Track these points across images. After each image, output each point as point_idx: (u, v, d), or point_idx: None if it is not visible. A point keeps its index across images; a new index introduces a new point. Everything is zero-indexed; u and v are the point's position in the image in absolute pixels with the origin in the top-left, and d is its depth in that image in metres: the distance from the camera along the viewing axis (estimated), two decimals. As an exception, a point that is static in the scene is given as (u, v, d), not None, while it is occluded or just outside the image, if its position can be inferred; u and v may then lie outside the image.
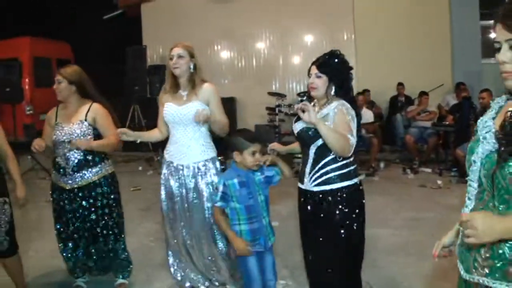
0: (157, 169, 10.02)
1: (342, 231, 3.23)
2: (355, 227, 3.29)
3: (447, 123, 9.29)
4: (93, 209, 4.20)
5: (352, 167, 3.29)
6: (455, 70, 11.90)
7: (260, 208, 3.44)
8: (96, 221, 4.24)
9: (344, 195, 3.23)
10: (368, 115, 9.51)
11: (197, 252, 4.20)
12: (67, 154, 4.09)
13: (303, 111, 2.94)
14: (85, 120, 4.10)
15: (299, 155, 3.59)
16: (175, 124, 4.04)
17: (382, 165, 9.58)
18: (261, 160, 3.36)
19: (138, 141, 4.20)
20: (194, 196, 4.05)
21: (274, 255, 3.64)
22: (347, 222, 3.25)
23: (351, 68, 3.39)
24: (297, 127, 3.42)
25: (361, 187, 3.37)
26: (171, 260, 4.39)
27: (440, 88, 11.38)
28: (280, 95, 11.48)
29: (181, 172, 4.07)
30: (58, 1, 17.97)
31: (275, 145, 3.78)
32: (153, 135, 4.33)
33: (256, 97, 12.71)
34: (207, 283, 4.35)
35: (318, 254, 3.36)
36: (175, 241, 4.26)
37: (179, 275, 4.40)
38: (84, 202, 4.18)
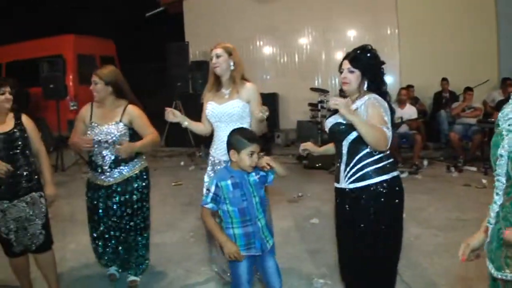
0: (198, 165, 10.17)
1: (382, 226, 3.18)
2: (393, 222, 3.23)
3: (493, 120, 8.96)
4: (129, 203, 4.33)
5: (388, 161, 3.22)
6: (502, 65, 11.54)
7: (254, 210, 3.28)
8: (131, 216, 4.37)
9: (382, 190, 3.16)
10: (411, 111, 9.36)
11: None
12: (103, 152, 4.22)
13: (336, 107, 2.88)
14: (120, 121, 4.21)
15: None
16: (217, 122, 4.12)
17: (425, 163, 9.35)
18: (258, 163, 3.23)
19: (184, 125, 4.26)
20: None
21: (275, 257, 3.47)
22: (386, 217, 3.19)
23: (383, 63, 3.32)
24: (328, 123, 3.39)
25: (399, 181, 3.27)
26: (213, 252, 4.44)
27: (485, 83, 11.06)
28: (323, 91, 11.37)
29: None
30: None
31: (308, 145, 3.70)
32: (198, 126, 4.37)
33: (298, 93, 12.67)
34: None
35: (355, 251, 3.29)
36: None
37: (219, 267, 4.45)
38: (121, 198, 4.30)
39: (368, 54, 3.25)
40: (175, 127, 11.83)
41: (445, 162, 9.47)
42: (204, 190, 4.15)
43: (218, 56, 4.03)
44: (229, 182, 3.24)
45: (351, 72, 3.25)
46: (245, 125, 4.06)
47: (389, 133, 3.01)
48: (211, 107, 4.12)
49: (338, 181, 3.34)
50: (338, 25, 13.05)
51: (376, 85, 3.27)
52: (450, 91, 11.41)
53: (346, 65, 3.27)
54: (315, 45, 13.54)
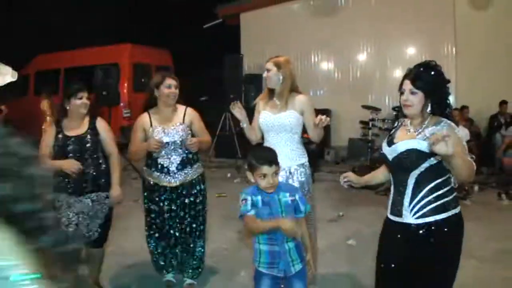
0: (244, 177, 10.02)
1: (449, 267, 2.97)
2: (456, 262, 3.00)
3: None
4: (192, 206, 4.52)
5: (454, 194, 2.96)
6: None
7: (281, 231, 3.07)
8: (194, 217, 4.54)
9: (452, 226, 2.91)
10: (464, 133, 9.02)
11: None
12: (170, 154, 4.39)
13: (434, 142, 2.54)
14: (184, 122, 4.43)
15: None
16: (269, 131, 4.24)
17: (476, 188, 8.97)
18: (273, 184, 3.14)
19: (243, 125, 4.36)
20: None
21: (305, 281, 3.32)
22: (454, 256, 2.98)
23: (448, 82, 3.00)
24: (393, 150, 3.03)
25: (461, 216, 2.99)
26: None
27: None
28: (375, 109, 11.20)
29: None
30: (161, 10, 18.58)
31: (350, 176, 3.37)
32: (253, 132, 4.44)
33: (351, 110, 12.48)
34: None
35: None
36: None
37: None
38: (186, 200, 4.48)
39: (433, 72, 2.93)
40: (224, 138, 11.87)
41: (497, 189, 9.04)
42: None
43: (268, 70, 4.19)
44: (259, 197, 3.19)
45: (414, 93, 2.92)
46: (295, 137, 4.17)
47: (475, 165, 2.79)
48: (265, 116, 4.24)
49: (398, 215, 3.02)
50: (395, 43, 12.83)
51: (442, 108, 2.96)
52: (508, 114, 11.03)
53: (408, 85, 2.95)
54: (370, 62, 13.37)
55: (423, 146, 2.83)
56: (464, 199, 8.15)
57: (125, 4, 19.31)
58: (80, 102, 4.15)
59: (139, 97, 12.77)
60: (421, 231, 2.93)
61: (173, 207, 4.48)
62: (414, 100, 2.93)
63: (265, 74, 4.22)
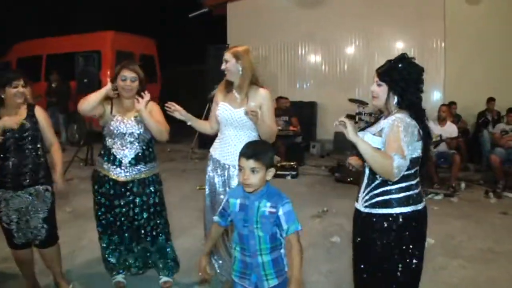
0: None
1: (390, 265, 2.91)
2: (407, 262, 2.90)
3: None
4: (145, 206, 4.26)
5: (413, 191, 2.88)
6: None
7: (254, 244, 2.86)
8: (147, 220, 4.30)
9: (399, 223, 2.85)
10: (451, 129, 8.87)
11: None
12: (125, 146, 4.15)
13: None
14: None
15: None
16: (227, 125, 4.02)
17: (463, 185, 8.75)
18: (246, 180, 2.79)
19: (188, 124, 4.15)
20: None
21: None
22: (397, 255, 2.89)
23: (417, 77, 2.92)
24: None
25: (421, 215, 2.92)
26: (212, 260, 4.28)
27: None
28: (362, 103, 11.01)
29: (226, 170, 4.05)
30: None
31: (354, 160, 3.30)
32: (203, 126, 4.29)
33: (337, 103, 12.21)
34: None
35: (368, 276, 3.03)
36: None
37: (220, 272, 4.32)
38: (136, 199, 4.22)
39: (400, 65, 2.91)
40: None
41: (484, 186, 8.84)
42: (206, 189, 4.18)
43: (226, 62, 3.96)
44: (238, 201, 2.92)
45: (379, 85, 2.96)
46: (254, 134, 3.96)
47: (399, 161, 2.65)
48: (224, 109, 4.00)
49: (357, 200, 3.07)
50: (384, 37, 12.59)
51: (407, 102, 2.89)
52: (496, 111, 10.86)
53: (375, 77, 3.00)
54: (358, 56, 13.17)
55: (373, 140, 2.84)
56: (451, 196, 8.01)
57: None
58: (15, 91, 3.87)
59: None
60: (366, 221, 2.97)
61: (121, 203, 4.22)
62: (379, 91, 2.97)
63: (223, 66, 3.96)
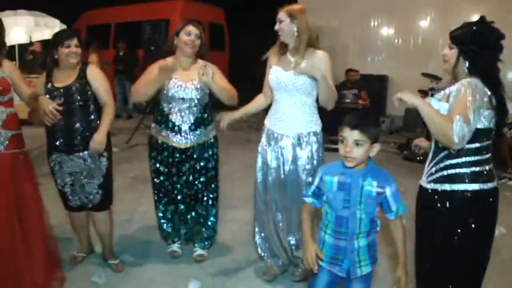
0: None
1: (452, 250, 2.63)
2: (472, 249, 2.62)
3: None
4: (204, 171, 4.14)
5: (483, 167, 2.59)
6: None
7: (355, 225, 2.60)
8: (205, 184, 4.18)
9: (465, 202, 2.57)
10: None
11: (285, 230, 3.87)
12: (184, 112, 3.99)
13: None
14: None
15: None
16: (280, 90, 3.70)
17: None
18: (349, 153, 2.51)
19: (241, 117, 4.00)
20: (291, 168, 3.70)
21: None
22: (461, 240, 2.60)
23: (495, 41, 2.62)
24: None
25: (492, 197, 2.62)
26: (257, 236, 4.08)
27: None
28: (435, 78, 10.51)
29: (280, 142, 3.73)
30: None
31: (421, 142, 3.13)
32: (257, 104, 4.03)
33: (410, 77, 11.66)
34: (285, 263, 4.06)
35: (429, 261, 2.75)
36: (265, 215, 3.92)
37: (263, 250, 4.10)
38: (196, 164, 4.11)
39: (474, 27, 2.65)
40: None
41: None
42: (258, 162, 3.86)
43: (280, 21, 3.60)
44: (335, 179, 2.63)
45: (450, 48, 2.71)
46: (309, 100, 3.65)
47: (459, 126, 2.35)
48: (276, 73, 3.68)
49: (421, 177, 2.80)
50: (459, 9, 11.79)
51: (479, 68, 2.59)
52: None
53: (449, 40, 2.74)
54: (433, 29, 12.44)
55: (438, 105, 2.56)
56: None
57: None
58: (68, 51, 3.72)
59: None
60: (429, 198, 2.70)
61: (183, 170, 4.10)
62: (450, 54, 2.73)
63: (277, 26, 3.61)
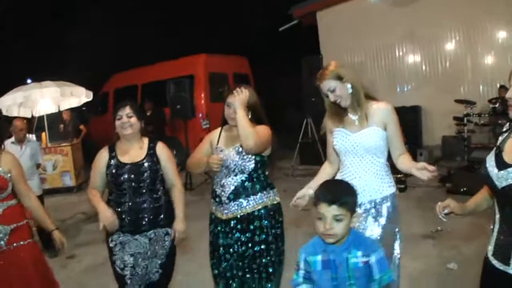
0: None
1: None
2: None
3: None
4: (250, 244, 3.72)
5: None
6: None
7: None
8: (253, 258, 3.75)
9: None
10: None
11: None
12: (223, 181, 3.69)
13: None
14: None
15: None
16: (347, 153, 3.33)
17: None
18: (329, 231, 2.30)
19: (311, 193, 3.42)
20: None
21: None
22: None
23: None
24: (507, 175, 2.16)
25: None
26: None
27: None
28: (469, 103, 10.27)
29: None
30: (234, 16, 18.38)
31: (449, 205, 2.62)
32: (325, 173, 3.59)
33: (442, 105, 11.52)
34: None
35: None
36: None
37: None
38: (242, 236, 3.72)
39: None
40: (307, 145, 11.44)
41: None
42: None
43: (332, 91, 3.20)
44: (318, 258, 2.41)
45: None
46: (381, 160, 3.27)
47: None
48: (341, 136, 3.33)
49: (505, 263, 2.22)
50: (485, 25, 11.55)
51: None
52: None
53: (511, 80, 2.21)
54: (460, 50, 12.15)
55: None
56: None
57: (197, 15, 19.30)
58: (120, 123, 3.62)
59: (217, 107, 12.86)
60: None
61: (229, 242, 3.79)
62: None
63: (332, 98, 3.19)
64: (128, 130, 3.64)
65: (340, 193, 2.34)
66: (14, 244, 3.35)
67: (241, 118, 3.53)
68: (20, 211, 3.48)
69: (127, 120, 3.63)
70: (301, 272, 2.48)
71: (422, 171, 2.86)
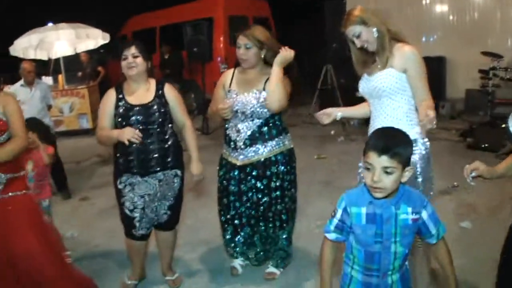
0: (349, 135, 9.37)
1: None
2: None
3: None
4: (266, 191, 3.79)
5: None
6: None
7: (388, 261, 2.21)
8: (269, 205, 3.82)
9: None
10: None
11: None
12: (239, 125, 3.72)
13: None
14: (264, 89, 3.67)
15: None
16: (370, 97, 3.28)
17: None
18: (377, 183, 2.08)
19: (338, 118, 3.46)
20: None
21: None
22: None
23: None
24: None
25: None
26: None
27: None
28: (496, 56, 9.91)
29: None
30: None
31: (478, 167, 2.57)
32: (357, 110, 3.56)
33: (468, 57, 11.06)
34: None
35: None
36: None
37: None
38: (258, 183, 3.77)
39: None
40: (326, 92, 11.25)
41: None
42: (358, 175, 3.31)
43: (358, 36, 3.09)
44: (363, 210, 2.21)
45: None
46: (401, 102, 3.11)
47: None
48: (364, 81, 3.28)
49: None
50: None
51: None
52: None
53: None
54: (489, 2, 11.63)
55: None
56: None
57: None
58: (125, 63, 3.56)
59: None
60: None
61: (242, 189, 3.81)
62: None
63: (358, 44, 3.10)
64: (134, 70, 3.58)
65: (393, 143, 2.09)
66: (10, 194, 3.23)
67: (277, 77, 3.55)
68: (18, 162, 3.33)
69: (132, 60, 3.58)
70: (335, 221, 2.30)
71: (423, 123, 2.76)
